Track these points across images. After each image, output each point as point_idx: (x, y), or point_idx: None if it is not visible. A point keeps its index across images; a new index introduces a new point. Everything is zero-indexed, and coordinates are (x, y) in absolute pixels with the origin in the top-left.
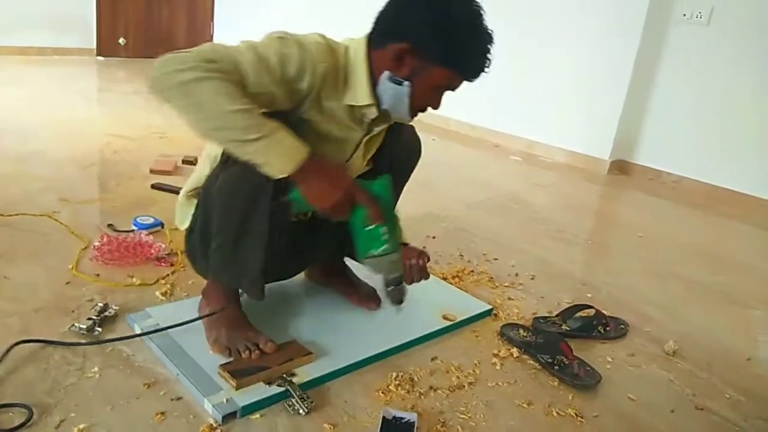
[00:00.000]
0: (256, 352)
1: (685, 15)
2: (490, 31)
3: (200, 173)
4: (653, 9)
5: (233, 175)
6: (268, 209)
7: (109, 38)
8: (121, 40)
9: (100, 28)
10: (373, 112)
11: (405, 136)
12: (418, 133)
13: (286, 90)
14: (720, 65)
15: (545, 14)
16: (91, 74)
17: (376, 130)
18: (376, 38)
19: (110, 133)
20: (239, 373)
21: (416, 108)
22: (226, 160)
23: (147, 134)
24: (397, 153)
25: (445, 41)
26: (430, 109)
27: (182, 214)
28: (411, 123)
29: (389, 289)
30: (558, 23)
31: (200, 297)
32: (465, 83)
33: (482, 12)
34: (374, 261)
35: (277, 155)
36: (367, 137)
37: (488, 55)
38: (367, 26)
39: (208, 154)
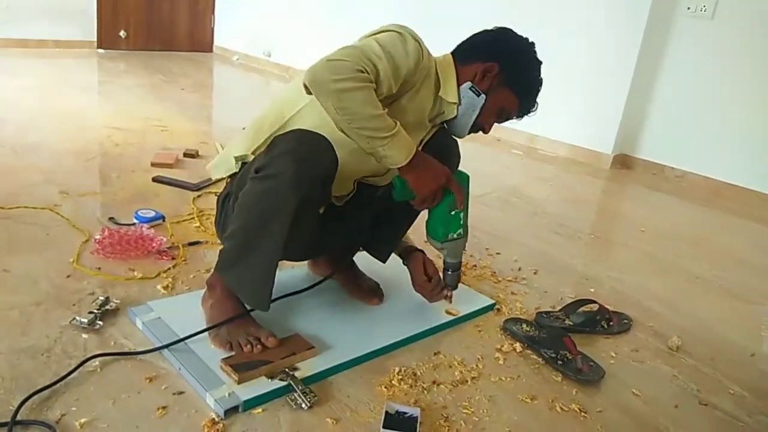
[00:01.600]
0: (258, 346)
1: (689, 8)
2: (541, 82)
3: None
4: (657, 2)
5: (259, 192)
6: (285, 232)
7: (110, 31)
8: (122, 33)
9: (101, 21)
10: (452, 112)
11: (446, 149)
12: None
13: (402, 83)
14: (724, 59)
15: (548, 7)
16: (92, 67)
17: (433, 131)
18: (464, 55)
19: (111, 125)
20: (241, 368)
21: (479, 123)
22: (259, 168)
23: (148, 127)
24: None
25: (523, 72)
26: (481, 133)
27: (222, 165)
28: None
29: (450, 273)
30: (561, 16)
31: (203, 289)
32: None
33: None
34: (451, 244)
35: (398, 150)
36: (427, 137)
37: (536, 99)
38: (364, 19)
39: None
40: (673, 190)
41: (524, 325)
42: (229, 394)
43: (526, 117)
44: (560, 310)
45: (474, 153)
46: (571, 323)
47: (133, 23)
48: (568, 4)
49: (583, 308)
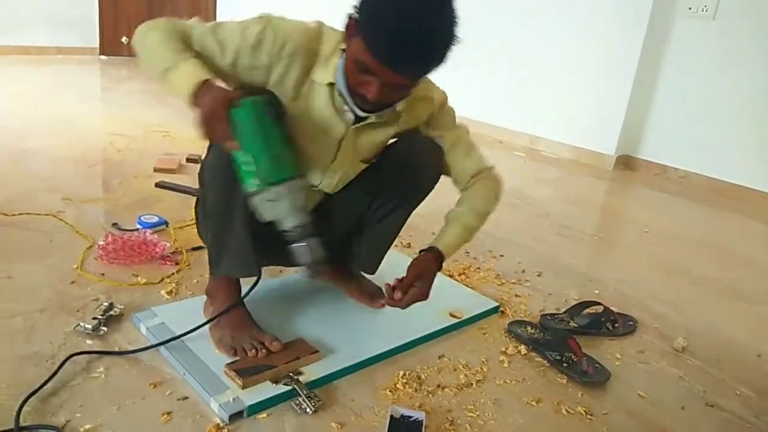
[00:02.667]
0: (263, 351)
1: (690, 9)
2: (430, 28)
3: None
4: (658, 2)
5: (210, 162)
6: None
7: (112, 37)
8: (124, 39)
9: (103, 27)
10: (337, 100)
11: (424, 144)
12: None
13: (236, 62)
14: (726, 59)
15: (549, 8)
16: (94, 73)
17: (365, 123)
18: None
19: (113, 131)
20: (245, 372)
21: (351, 87)
22: (208, 147)
23: (150, 133)
24: (408, 157)
25: (369, 11)
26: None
27: None
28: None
29: (289, 246)
30: (562, 17)
31: (205, 296)
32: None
33: (434, 7)
34: (253, 202)
35: (179, 84)
36: (354, 130)
37: (409, 50)
38: None
39: None
40: (677, 191)
41: (529, 328)
42: (233, 399)
43: (405, 69)
44: (565, 312)
45: None
46: (575, 325)
47: (134, 29)
48: (569, 5)
49: (588, 310)
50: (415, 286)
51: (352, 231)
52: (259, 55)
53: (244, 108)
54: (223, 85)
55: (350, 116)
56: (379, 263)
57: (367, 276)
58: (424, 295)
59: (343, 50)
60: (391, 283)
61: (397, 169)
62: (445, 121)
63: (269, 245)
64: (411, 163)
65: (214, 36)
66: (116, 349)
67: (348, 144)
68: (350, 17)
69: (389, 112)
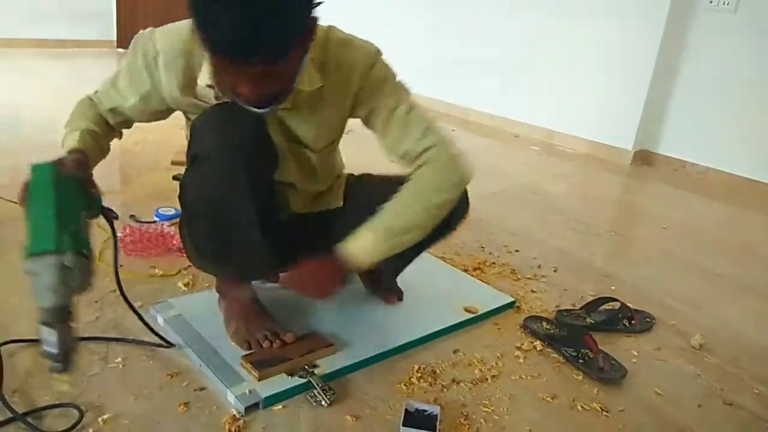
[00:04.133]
0: (277, 342)
1: (711, 2)
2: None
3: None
4: None
5: (198, 183)
6: (247, 197)
7: (130, 30)
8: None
9: (121, 20)
10: (207, 95)
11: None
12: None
13: (133, 97)
14: (747, 53)
15: (567, 2)
16: (112, 66)
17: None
18: None
19: None
20: (261, 364)
21: (223, 93)
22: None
23: (168, 125)
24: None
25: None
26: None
27: None
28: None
29: (39, 325)
30: (579, 10)
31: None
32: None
33: None
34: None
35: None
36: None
37: (223, 21)
38: (370, 16)
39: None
40: (695, 187)
41: (544, 323)
42: (249, 391)
43: (253, 54)
44: (581, 308)
45: (491, 149)
46: (592, 321)
47: (152, 22)
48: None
49: (605, 306)
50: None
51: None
52: (140, 86)
53: (32, 172)
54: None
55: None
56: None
57: None
58: (319, 295)
59: None
60: None
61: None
62: (374, 89)
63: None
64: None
65: (112, 91)
66: (132, 340)
67: (277, 140)
68: None
69: (293, 97)
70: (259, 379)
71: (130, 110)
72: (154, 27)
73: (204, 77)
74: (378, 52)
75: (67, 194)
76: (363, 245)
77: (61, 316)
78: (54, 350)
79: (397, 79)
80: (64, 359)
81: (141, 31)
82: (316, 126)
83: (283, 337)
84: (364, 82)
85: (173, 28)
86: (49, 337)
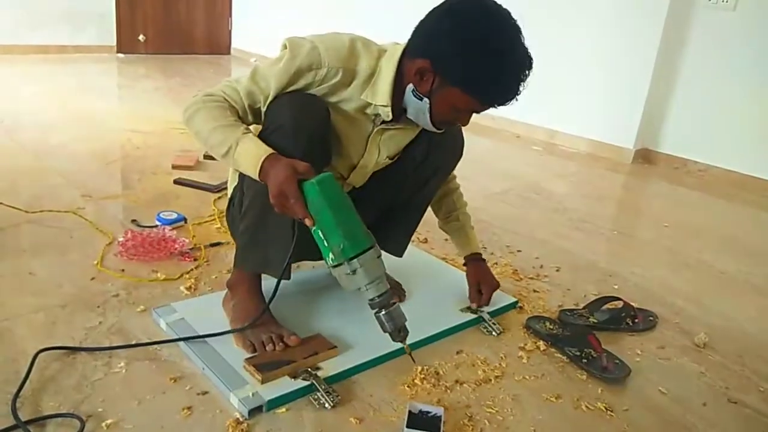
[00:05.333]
0: (280, 344)
1: (710, 0)
2: (522, 61)
3: None
4: None
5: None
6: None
7: (129, 35)
8: (141, 37)
9: (120, 25)
10: (387, 114)
11: (446, 137)
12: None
13: (293, 83)
14: (746, 51)
15: (566, 1)
16: (112, 71)
17: (392, 127)
18: (410, 49)
19: (131, 129)
20: (264, 367)
21: (439, 123)
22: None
23: (168, 130)
24: (434, 153)
25: (465, 65)
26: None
27: (231, 183)
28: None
29: (374, 312)
30: (580, 9)
31: (225, 290)
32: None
33: (516, 40)
34: (335, 272)
35: (245, 163)
36: (379, 130)
37: (514, 86)
38: (380, 18)
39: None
40: (697, 185)
41: (547, 323)
42: (252, 394)
43: (508, 104)
44: (584, 308)
45: (493, 149)
46: (595, 321)
47: (151, 27)
48: None
49: (608, 305)
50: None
51: (380, 218)
52: (291, 87)
53: (315, 186)
54: None
55: (379, 119)
56: (407, 245)
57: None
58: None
59: (419, 97)
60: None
61: (427, 145)
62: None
63: (300, 241)
64: (439, 138)
65: (256, 85)
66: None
67: (375, 142)
68: (426, 63)
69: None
70: (262, 382)
71: (264, 94)
72: (153, 32)
73: (374, 97)
74: None
75: (346, 196)
76: (476, 241)
77: (389, 298)
78: (391, 329)
79: None
80: (403, 332)
81: (298, 41)
82: (403, 144)
83: (286, 340)
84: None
85: (333, 49)
86: (386, 320)
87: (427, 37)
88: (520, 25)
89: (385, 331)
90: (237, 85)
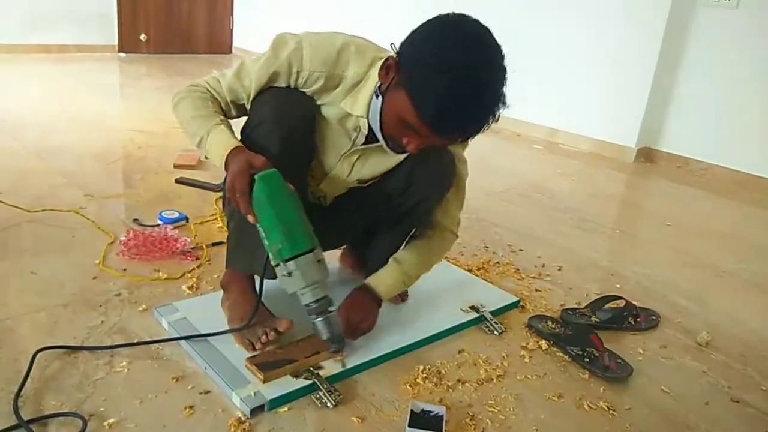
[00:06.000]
0: (272, 333)
1: None
2: (480, 97)
3: None
4: None
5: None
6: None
7: (131, 34)
8: (143, 36)
9: (122, 25)
10: (364, 125)
11: (430, 169)
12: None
13: (273, 80)
14: (749, 49)
15: (568, 0)
16: (113, 70)
17: (370, 148)
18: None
19: (133, 128)
20: (266, 366)
21: (389, 136)
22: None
23: (170, 129)
24: (416, 184)
25: (417, 68)
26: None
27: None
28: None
29: (311, 318)
30: (581, 7)
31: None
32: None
33: (480, 66)
34: (277, 271)
35: (213, 153)
36: (353, 152)
37: (457, 115)
38: (382, 16)
39: None
40: (699, 183)
41: (549, 323)
42: (254, 394)
43: (449, 136)
44: (586, 307)
45: (494, 148)
46: (597, 320)
47: (152, 26)
48: None
49: (610, 304)
50: (359, 326)
51: (375, 222)
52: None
53: (258, 182)
54: None
55: (361, 139)
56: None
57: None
58: (368, 329)
59: (377, 95)
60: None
61: (407, 177)
62: (459, 154)
63: None
64: (423, 170)
65: (239, 82)
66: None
67: (348, 160)
68: (391, 59)
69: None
70: (264, 381)
71: (245, 102)
72: (154, 31)
73: (352, 106)
74: None
75: (293, 194)
76: (389, 286)
77: (326, 305)
78: (327, 336)
79: None
80: (339, 340)
81: (284, 35)
82: (385, 169)
83: (277, 327)
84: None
85: (323, 50)
86: (322, 327)
87: (408, 36)
88: (506, 65)
89: (320, 338)
90: (222, 78)
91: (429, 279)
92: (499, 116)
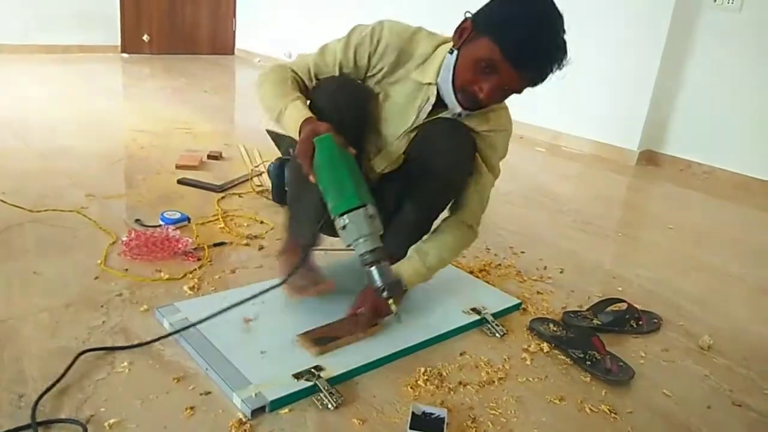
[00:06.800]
0: (312, 290)
1: (715, 1)
2: (555, 35)
3: None
4: None
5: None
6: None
7: (133, 35)
8: (145, 37)
9: (125, 25)
10: (433, 93)
11: (452, 142)
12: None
13: (348, 67)
14: (752, 52)
15: (570, 2)
16: (116, 71)
17: (425, 120)
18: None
19: (136, 128)
20: (319, 342)
21: (460, 85)
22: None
23: (172, 130)
24: (432, 161)
25: (497, 14)
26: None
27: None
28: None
29: (365, 269)
30: (583, 8)
31: (229, 290)
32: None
33: (551, 17)
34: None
35: (289, 124)
36: (413, 128)
37: (537, 50)
38: (386, 17)
39: None
40: (701, 186)
41: (551, 325)
42: (255, 395)
43: (527, 73)
44: (588, 310)
45: None
46: (599, 323)
47: (156, 27)
48: None
49: (612, 307)
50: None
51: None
52: (359, 62)
53: (316, 144)
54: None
55: (428, 109)
56: (405, 252)
57: None
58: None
59: (451, 52)
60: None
61: (425, 169)
62: (493, 160)
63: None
64: (438, 167)
65: (322, 59)
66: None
67: (408, 138)
68: (467, 21)
69: (457, 116)
70: (318, 354)
71: (329, 66)
72: (157, 32)
73: (422, 75)
74: None
75: (348, 157)
76: (410, 275)
77: (379, 256)
78: (379, 284)
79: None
80: (391, 288)
81: (376, 22)
82: None
83: (322, 286)
84: (496, 149)
85: (398, 29)
86: (376, 275)
87: (479, 10)
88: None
89: (375, 287)
90: (307, 58)
91: (431, 281)
92: (566, 64)
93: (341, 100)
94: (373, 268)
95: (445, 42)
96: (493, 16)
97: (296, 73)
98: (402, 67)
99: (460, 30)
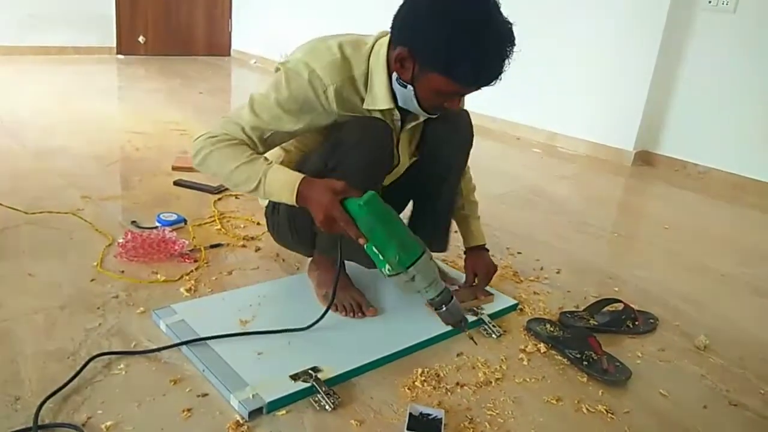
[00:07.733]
0: (359, 314)
1: (710, 2)
2: (502, 36)
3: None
4: None
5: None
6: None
7: (129, 36)
8: (141, 38)
9: (120, 27)
10: (396, 115)
11: (450, 124)
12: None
13: (299, 122)
14: (747, 53)
15: (567, 3)
16: (112, 72)
17: (410, 125)
18: (393, 38)
19: (131, 130)
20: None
21: (429, 108)
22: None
23: (168, 131)
24: (439, 142)
25: (442, 50)
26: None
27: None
28: (463, 108)
29: (436, 311)
30: (580, 10)
31: (226, 292)
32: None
33: (493, 15)
34: (395, 279)
35: (279, 192)
36: (402, 132)
37: (496, 65)
38: (380, 19)
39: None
40: (697, 187)
41: (548, 326)
42: (253, 396)
43: (493, 84)
44: (584, 310)
45: (493, 151)
46: (595, 323)
47: (151, 28)
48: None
49: (608, 308)
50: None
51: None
52: (303, 115)
53: (364, 207)
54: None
55: (398, 124)
56: (448, 238)
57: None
58: (495, 271)
59: (402, 84)
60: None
61: (433, 147)
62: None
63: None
64: (444, 138)
65: (258, 118)
66: (133, 345)
67: (403, 145)
68: (404, 51)
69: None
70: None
71: (277, 138)
72: (153, 34)
73: (374, 102)
74: None
75: (390, 207)
76: (480, 233)
77: (447, 296)
78: (451, 322)
79: None
80: (462, 320)
81: (288, 63)
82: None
83: (364, 311)
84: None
85: (327, 63)
86: (447, 315)
87: (404, 23)
88: (500, 2)
89: (447, 324)
90: (239, 120)
91: None
92: (517, 51)
93: (374, 139)
94: (443, 310)
95: (367, 52)
96: (433, 47)
97: (242, 138)
98: (352, 98)
99: (399, 61)
